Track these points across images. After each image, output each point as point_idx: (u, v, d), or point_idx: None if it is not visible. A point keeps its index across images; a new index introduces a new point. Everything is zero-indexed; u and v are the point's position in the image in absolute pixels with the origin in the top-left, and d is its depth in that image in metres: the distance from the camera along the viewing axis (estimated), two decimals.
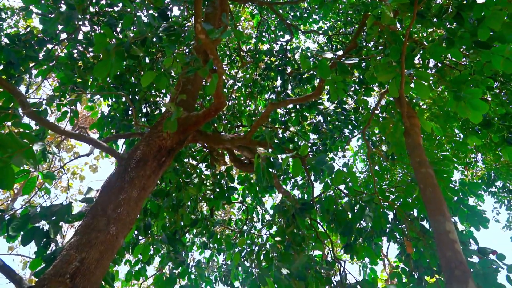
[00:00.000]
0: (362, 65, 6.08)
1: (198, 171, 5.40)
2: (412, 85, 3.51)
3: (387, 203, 4.08)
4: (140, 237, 4.76)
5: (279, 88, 7.35)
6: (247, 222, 7.30)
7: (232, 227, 6.69)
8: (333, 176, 3.85)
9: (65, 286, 2.72)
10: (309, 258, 3.89)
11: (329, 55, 3.61)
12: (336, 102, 6.89)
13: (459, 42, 3.63)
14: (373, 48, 4.75)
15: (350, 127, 6.84)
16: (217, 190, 5.58)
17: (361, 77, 6.45)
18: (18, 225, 3.25)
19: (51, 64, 5.00)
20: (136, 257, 4.32)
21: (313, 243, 4.18)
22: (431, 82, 4.31)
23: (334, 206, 4.22)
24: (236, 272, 7.19)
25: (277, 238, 4.32)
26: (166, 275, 4.49)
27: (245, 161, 5.23)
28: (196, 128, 4.16)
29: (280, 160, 4.01)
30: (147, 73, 3.18)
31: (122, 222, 3.21)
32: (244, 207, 7.50)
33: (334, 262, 3.99)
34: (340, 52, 4.79)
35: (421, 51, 3.63)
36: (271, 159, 4.08)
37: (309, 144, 7.36)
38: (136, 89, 5.82)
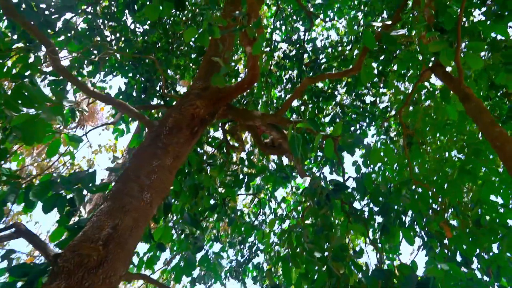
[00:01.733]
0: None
1: (220, 153, 5.07)
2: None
3: (422, 187, 3.80)
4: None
5: (295, 79, 7.09)
6: (260, 214, 6.97)
7: (244, 221, 6.34)
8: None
9: (98, 253, 2.37)
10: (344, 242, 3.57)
11: (377, 23, 3.35)
12: (354, 94, 6.65)
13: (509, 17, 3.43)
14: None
15: (367, 120, 6.60)
16: (236, 176, 5.27)
17: (380, 68, 6.25)
18: (39, 190, 2.88)
19: (69, 35, 4.65)
20: (157, 240, 3.94)
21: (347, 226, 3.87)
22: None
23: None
24: (246, 268, 6.86)
25: (307, 222, 4.02)
26: (183, 260, 4.13)
27: (270, 144, 4.92)
28: (228, 101, 3.86)
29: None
30: (190, 28, 2.87)
31: (156, 189, 2.88)
32: (257, 200, 7.18)
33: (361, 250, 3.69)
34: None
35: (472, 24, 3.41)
36: (305, 135, 3.78)
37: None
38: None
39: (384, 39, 3.51)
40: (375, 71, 6.79)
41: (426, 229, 4.01)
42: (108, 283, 2.34)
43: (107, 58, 4.78)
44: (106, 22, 5.19)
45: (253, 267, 6.65)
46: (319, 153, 6.77)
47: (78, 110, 2.91)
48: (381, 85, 6.26)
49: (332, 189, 3.89)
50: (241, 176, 5.39)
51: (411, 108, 4.66)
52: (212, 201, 4.89)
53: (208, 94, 3.72)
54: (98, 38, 4.82)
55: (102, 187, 3.21)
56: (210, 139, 5.81)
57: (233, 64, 7.60)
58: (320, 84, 6.88)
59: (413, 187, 3.73)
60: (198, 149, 4.92)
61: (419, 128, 4.03)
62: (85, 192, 2.99)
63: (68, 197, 2.98)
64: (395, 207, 3.79)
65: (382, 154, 3.68)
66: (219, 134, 8.37)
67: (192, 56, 6.08)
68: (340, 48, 6.85)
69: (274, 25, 7.69)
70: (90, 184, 3.08)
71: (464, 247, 3.73)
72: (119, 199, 2.67)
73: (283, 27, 7.50)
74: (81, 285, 2.24)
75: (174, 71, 6.01)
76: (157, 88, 5.34)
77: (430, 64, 3.73)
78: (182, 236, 4.39)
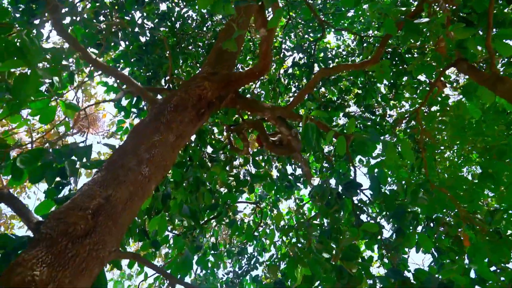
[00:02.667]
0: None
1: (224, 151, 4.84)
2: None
3: (439, 191, 3.54)
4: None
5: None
6: (261, 226, 6.65)
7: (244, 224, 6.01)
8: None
9: (86, 223, 2.10)
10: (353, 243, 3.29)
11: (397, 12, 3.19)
12: (363, 106, 6.47)
13: None
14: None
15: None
16: (238, 178, 5.02)
17: (392, 81, 6.11)
18: (28, 158, 2.63)
19: (74, 18, 4.51)
20: (152, 229, 3.64)
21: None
22: None
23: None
24: (244, 281, 6.48)
25: (315, 222, 3.74)
26: (180, 258, 3.82)
27: (278, 142, 4.68)
28: (237, 87, 3.67)
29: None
30: None
31: (155, 165, 2.63)
32: (257, 209, 6.85)
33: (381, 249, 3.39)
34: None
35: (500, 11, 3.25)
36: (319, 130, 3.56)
37: (332, 148, 6.88)
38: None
39: (406, 27, 3.35)
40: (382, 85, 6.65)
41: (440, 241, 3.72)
42: (95, 256, 2.06)
43: (111, 43, 4.61)
44: (113, 13, 5.07)
45: (251, 280, 6.26)
46: (325, 164, 6.55)
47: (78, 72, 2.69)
48: (392, 97, 6.10)
49: (343, 188, 3.63)
50: (242, 178, 5.14)
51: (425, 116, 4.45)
52: (213, 201, 4.62)
53: (217, 78, 3.53)
54: (103, 25, 4.67)
55: (97, 163, 2.96)
56: (213, 141, 5.58)
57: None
58: (328, 92, 6.72)
59: (430, 190, 3.46)
60: (200, 145, 4.68)
61: (436, 129, 3.82)
62: (78, 165, 2.74)
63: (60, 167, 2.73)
64: (410, 209, 3.53)
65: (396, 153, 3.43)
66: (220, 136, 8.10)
67: (201, 55, 5.95)
68: (351, 58, 6.74)
69: (284, 32, 7.61)
70: (84, 159, 2.83)
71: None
72: (115, 170, 2.42)
73: (292, 35, 7.41)
74: (64, 254, 1.96)
75: (181, 69, 5.86)
76: (162, 82, 5.17)
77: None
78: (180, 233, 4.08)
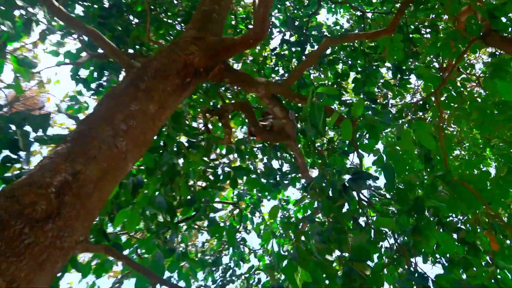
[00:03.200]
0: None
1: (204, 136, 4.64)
2: None
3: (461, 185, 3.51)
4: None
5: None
6: (239, 231, 6.48)
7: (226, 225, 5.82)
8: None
9: (48, 203, 1.88)
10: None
11: None
12: (363, 93, 6.41)
13: None
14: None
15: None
16: (216, 172, 4.83)
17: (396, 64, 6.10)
18: None
19: None
20: (117, 226, 3.40)
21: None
22: None
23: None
24: None
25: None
26: (149, 262, 3.59)
27: (268, 128, 4.53)
28: (228, 56, 3.51)
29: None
30: None
31: (133, 139, 2.42)
32: (235, 211, 6.69)
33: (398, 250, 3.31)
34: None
35: None
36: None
37: (325, 141, 6.81)
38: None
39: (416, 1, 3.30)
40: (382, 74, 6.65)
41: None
42: (59, 246, 1.84)
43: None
44: None
45: None
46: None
47: (38, 22, 2.42)
48: (397, 83, 6.11)
49: (351, 179, 3.53)
50: (221, 171, 4.96)
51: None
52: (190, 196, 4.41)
53: (204, 44, 3.34)
54: None
55: (57, 139, 2.70)
56: (187, 128, 5.36)
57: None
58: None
59: (451, 183, 3.41)
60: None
61: (454, 116, 3.79)
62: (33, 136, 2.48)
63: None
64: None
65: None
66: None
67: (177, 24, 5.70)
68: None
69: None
70: (41, 131, 2.57)
71: None
72: (84, 142, 2.20)
73: (281, 10, 7.28)
74: (18, 241, 1.73)
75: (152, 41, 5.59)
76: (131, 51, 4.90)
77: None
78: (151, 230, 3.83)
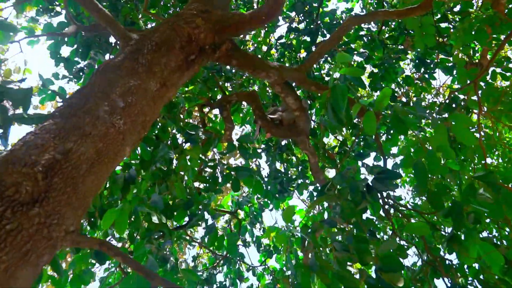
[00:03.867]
0: None
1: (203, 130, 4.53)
2: None
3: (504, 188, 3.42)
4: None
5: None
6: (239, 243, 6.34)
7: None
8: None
9: (34, 184, 1.78)
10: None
11: None
12: (380, 89, 6.36)
13: None
14: None
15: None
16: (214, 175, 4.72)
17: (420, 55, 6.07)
18: None
19: None
20: (105, 228, 3.26)
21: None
22: None
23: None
24: None
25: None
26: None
27: (278, 122, 4.44)
28: (237, 33, 3.42)
29: None
30: None
31: (132, 118, 2.33)
32: (233, 221, 6.56)
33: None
34: None
35: None
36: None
37: (337, 144, 6.73)
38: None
39: None
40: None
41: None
42: (46, 234, 1.74)
43: None
44: None
45: None
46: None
47: None
48: (419, 77, 6.06)
49: (375, 179, 3.44)
50: (219, 171, 4.85)
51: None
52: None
53: (211, 18, 3.25)
54: None
55: (37, 119, 2.58)
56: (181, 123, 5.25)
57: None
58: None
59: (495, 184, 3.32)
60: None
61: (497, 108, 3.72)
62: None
63: None
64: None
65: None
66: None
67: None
68: (365, 26, 6.64)
69: None
70: (22, 107, 2.46)
71: None
72: (76, 117, 2.09)
73: None
74: None
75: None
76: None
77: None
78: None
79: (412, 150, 3.81)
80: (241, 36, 6.99)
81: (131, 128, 2.30)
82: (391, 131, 5.76)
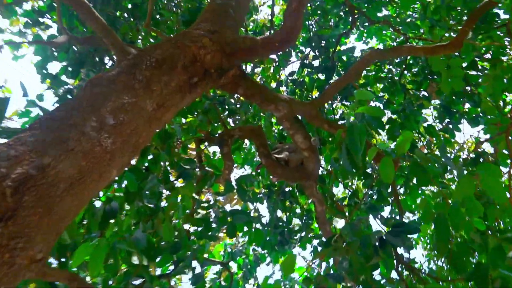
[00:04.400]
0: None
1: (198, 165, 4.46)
2: None
3: None
4: None
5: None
6: None
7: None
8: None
9: (1, 199, 1.68)
10: None
11: None
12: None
13: None
14: None
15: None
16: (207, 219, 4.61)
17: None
18: None
19: None
20: (76, 265, 3.10)
21: None
22: None
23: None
24: None
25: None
26: None
27: (284, 162, 4.37)
28: (247, 59, 3.43)
29: None
30: None
31: (123, 138, 2.27)
32: (224, 274, 6.35)
33: None
34: None
35: None
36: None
37: (347, 195, 6.64)
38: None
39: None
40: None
41: None
42: (7, 259, 1.64)
43: None
44: None
45: None
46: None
47: None
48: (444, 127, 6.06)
49: (391, 232, 3.34)
50: (214, 216, 4.75)
51: None
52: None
53: (220, 40, 3.25)
54: None
55: (12, 132, 2.53)
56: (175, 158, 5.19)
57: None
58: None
59: None
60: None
61: None
62: None
63: None
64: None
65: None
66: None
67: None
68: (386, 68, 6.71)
69: None
70: None
71: None
72: (59, 129, 2.02)
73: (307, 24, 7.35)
74: None
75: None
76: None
77: None
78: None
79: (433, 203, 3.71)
80: (250, 68, 7.07)
81: (120, 149, 2.22)
82: (410, 183, 5.68)
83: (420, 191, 6.15)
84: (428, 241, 7.42)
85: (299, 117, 3.95)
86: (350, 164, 3.09)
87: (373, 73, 6.95)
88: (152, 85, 2.58)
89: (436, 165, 3.44)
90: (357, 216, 5.41)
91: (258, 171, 4.84)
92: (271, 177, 5.06)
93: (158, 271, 5.10)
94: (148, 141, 2.54)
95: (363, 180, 6.53)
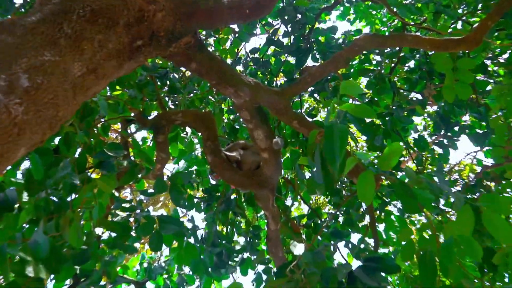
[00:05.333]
0: None
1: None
2: None
3: None
4: None
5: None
6: None
7: None
8: None
9: None
10: None
11: None
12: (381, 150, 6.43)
13: None
14: None
15: None
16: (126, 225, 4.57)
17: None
18: None
19: None
20: None
21: None
22: None
23: None
24: None
25: None
26: None
27: (236, 163, 4.38)
28: (207, 23, 3.42)
29: None
30: None
31: (37, 107, 2.21)
32: None
33: None
34: None
35: None
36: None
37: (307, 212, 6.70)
38: None
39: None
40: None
41: None
42: None
43: None
44: None
45: None
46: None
47: None
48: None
49: (362, 267, 3.40)
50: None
51: None
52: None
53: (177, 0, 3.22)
54: None
55: None
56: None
57: None
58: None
59: None
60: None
61: None
62: None
63: None
64: None
65: None
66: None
67: None
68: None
69: None
70: None
71: None
72: None
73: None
74: None
75: None
76: None
77: None
78: None
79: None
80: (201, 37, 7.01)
81: (33, 122, 2.16)
82: (388, 207, 5.81)
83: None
84: (398, 281, 7.60)
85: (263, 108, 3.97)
86: (323, 175, 3.09)
87: (357, 62, 7.03)
88: (82, 43, 2.52)
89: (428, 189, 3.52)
90: (322, 242, 5.48)
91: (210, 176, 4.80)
92: (209, 175, 5.03)
93: (50, 285, 5.02)
94: (69, 116, 2.48)
95: (329, 197, 6.63)
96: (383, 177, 4.37)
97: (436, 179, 3.61)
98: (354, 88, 3.05)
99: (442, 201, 5.20)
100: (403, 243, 4.19)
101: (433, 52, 4.67)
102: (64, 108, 2.37)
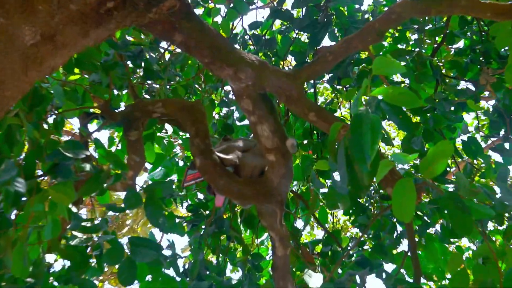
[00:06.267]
0: None
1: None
2: None
3: None
4: None
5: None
6: None
7: None
8: None
9: None
10: None
11: None
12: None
13: None
14: None
15: None
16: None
17: None
18: None
19: None
20: None
21: None
22: None
23: None
24: None
25: None
26: None
27: (233, 170, 4.39)
28: None
29: None
30: None
31: None
32: None
33: None
34: None
35: None
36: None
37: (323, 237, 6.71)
38: None
39: None
40: None
41: None
42: None
43: None
44: None
45: None
46: None
47: None
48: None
49: None
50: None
51: None
52: None
53: None
54: None
55: None
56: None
57: None
58: None
59: None
60: None
61: None
62: None
63: None
64: None
65: None
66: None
67: None
68: None
69: None
70: None
71: None
72: None
73: None
74: None
75: None
76: None
77: None
78: None
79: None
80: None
81: None
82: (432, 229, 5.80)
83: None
84: None
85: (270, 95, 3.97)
86: (349, 181, 3.03)
87: (389, 42, 7.02)
88: (36, 2, 2.54)
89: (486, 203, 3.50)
90: (344, 273, 5.44)
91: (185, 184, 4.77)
92: (207, 191, 5.01)
93: None
94: (18, 97, 2.50)
95: (352, 216, 6.60)
96: (426, 187, 4.36)
97: (497, 189, 3.58)
98: (392, 67, 2.97)
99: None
100: (448, 275, 4.18)
101: (493, 23, 4.65)
102: (12, 86, 2.39)
